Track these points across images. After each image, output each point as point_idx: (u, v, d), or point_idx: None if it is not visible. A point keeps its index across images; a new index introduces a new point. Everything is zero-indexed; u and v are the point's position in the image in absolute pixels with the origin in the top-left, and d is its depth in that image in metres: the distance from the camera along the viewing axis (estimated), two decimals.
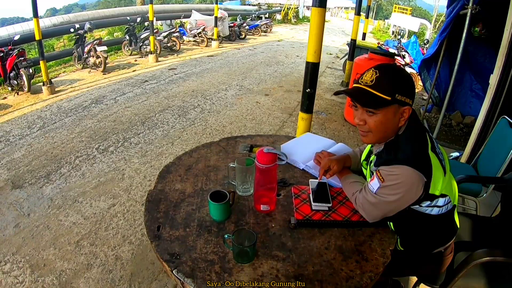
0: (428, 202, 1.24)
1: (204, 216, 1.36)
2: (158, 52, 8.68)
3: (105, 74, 7.15)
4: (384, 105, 1.19)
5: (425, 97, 5.72)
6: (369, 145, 1.46)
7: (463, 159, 3.43)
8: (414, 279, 1.69)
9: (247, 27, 13.63)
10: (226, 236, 1.18)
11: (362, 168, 1.49)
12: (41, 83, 5.93)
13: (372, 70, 1.22)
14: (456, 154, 3.54)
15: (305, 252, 1.23)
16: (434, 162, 1.20)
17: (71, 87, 6.27)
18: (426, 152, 1.20)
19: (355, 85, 1.26)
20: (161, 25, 11.71)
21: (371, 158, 1.37)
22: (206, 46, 10.99)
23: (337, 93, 1.35)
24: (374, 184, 1.24)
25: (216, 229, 1.30)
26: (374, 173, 1.25)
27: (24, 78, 5.74)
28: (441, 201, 1.26)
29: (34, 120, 4.74)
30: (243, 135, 1.99)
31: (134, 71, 7.56)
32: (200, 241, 1.25)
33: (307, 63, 2.49)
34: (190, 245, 1.23)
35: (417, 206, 1.25)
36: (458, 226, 1.47)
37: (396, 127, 1.25)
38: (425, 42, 9.51)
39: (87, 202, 2.98)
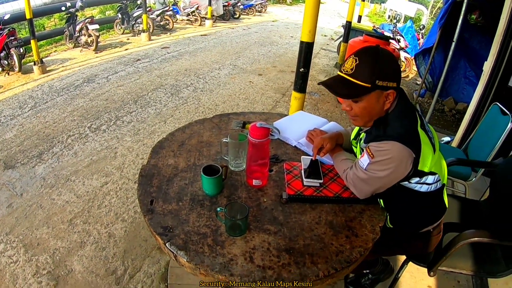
0: (417, 179, 1.26)
1: (197, 190, 1.37)
2: (151, 30, 8.53)
3: (97, 53, 7.03)
4: (365, 92, 1.20)
5: (419, 82, 5.73)
6: (357, 127, 1.48)
7: (454, 144, 3.47)
8: (402, 258, 1.73)
9: (241, 6, 13.39)
10: (219, 209, 1.20)
11: (352, 146, 1.50)
12: (32, 63, 5.81)
13: (352, 58, 1.22)
14: (447, 138, 3.57)
15: (296, 226, 1.25)
16: (423, 139, 1.21)
17: (62, 66, 6.16)
18: (415, 129, 1.21)
19: (338, 73, 1.27)
20: (154, 4, 11.44)
21: (360, 136, 1.38)
22: (200, 25, 10.82)
23: (320, 84, 1.34)
24: (364, 160, 1.26)
25: (209, 203, 1.32)
26: (364, 150, 1.26)
27: (15, 58, 5.62)
28: (430, 179, 1.28)
29: (25, 100, 4.67)
30: (236, 112, 1.99)
31: (126, 49, 7.44)
32: (193, 214, 1.26)
33: (301, 42, 2.47)
34: (183, 218, 1.24)
35: (406, 182, 1.27)
36: (447, 206, 1.49)
37: (381, 109, 1.26)
38: (421, 27, 9.45)
39: (79, 180, 2.97)
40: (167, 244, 1.15)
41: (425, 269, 1.63)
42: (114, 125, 3.96)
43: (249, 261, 1.11)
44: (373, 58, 1.19)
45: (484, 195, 2.45)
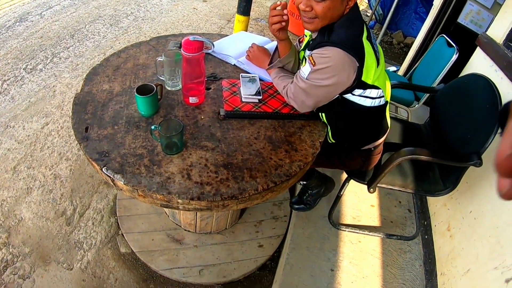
0: (361, 91, 1.24)
1: (132, 112, 1.31)
2: None
3: None
4: None
5: (369, 14, 5.69)
6: (308, 36, 1.42)
7: (400, 73, 3.56)
8: (344, 176, 1.79)
9: None
10: (153, 127, 1.15)
11: (300, 63, 1.46)
12: None
13: None
14: (393, 68, 3.65)
15: (234, 142, 1.23)
16: (367, 49, 1.18)
17: None
18: (360, 38, 1.18)
19: None
20: None
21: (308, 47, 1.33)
22: None
23: None
24: (305, 69, 1.22)
25: (145, 124, 1.27)
26: (307, 58, 1.22)
27: None
28: (373, 93, 1.26)
29: None
30: (175, 34, 1.86)
31: None
32: (129, 137, 1.21)
33: None
34: (119, 142, 1.19)
35: (349, 94, 1.25)
36: (389, 125, 1.52)
37: (341, 14, 1.21)
38: None
39: (19, 125, 2.78)
40: (103, 169, 1.10)
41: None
42: (51, 63, 3.66)
43: (187, 178, 1.09)
44: None
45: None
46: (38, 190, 2.24)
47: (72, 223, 2.06)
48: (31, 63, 3.65)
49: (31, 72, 3.49)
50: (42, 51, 3.92)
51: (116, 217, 2.03)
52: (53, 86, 3.26)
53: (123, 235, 1.93)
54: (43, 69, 3.55)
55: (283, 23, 1.33)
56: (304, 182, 1.91)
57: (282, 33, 1.37)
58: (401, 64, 3.75)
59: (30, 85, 3.28)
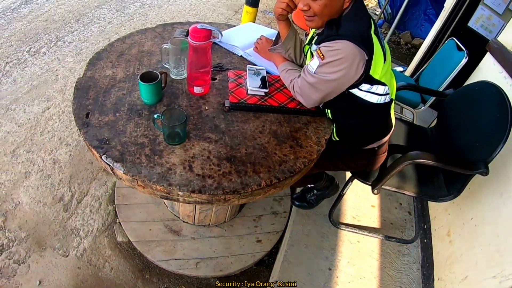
0: (368, 86, 1.21)
1: (135, 100, 1.28)
2: None
3: None
4: None
5: (377, 12, 5.63)
6: (313, 31, 1.39)
7: (407, 73, 3.51)
8: (348, 175, 1.76)
9: None
10: (156, 116, 1.12)
11: (305, 57, 1.43)
12: None
13: None
14: (400, 68, 3.60)
15: (238, 134, 1.21)
16: (376, 43, 1.16)
17: None
18: (369, 31, 1.16)
19: None
20: None
21: (313, 40, 1.30)
22: None
23: None
24: (313, 63, 1.19)
25: (147, 112, 1.24)
26: (315, 53, 1.20)
27: None
28: (380, 89, 1.24)
29: None
30: (181, 22, 1.83)
31: None
32: (130, 125, 1.19)
33: None
34: (120, 129, 1.16)
35: (356, 89, 1.22)
36: (393, 124, 1.50)
37: (340, 9, 1.18)
38: None
39: (20, 108, 2.75)
40: (103, 157, 1.08)
41: (369, 189, 1.67)
42: (54, 46, 3.62)
43: (188, 170, 1.07)
44: None
45: (431, 125, 2.53)
46: (36, 174, 2.21)
47: (70, 209, 2.04)
48: (34, 46, 3.62)
49: (34, 55, 3.46)
50: (47, 34, 3.88)
51: (114, 205, 2.01)
52: (56, 70, 3.23)
53: (120, 224, 1.91)
54: (47, 52, 3.52)
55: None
56: (312, 185, 1.90)
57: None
58: (408, 64, 3.71)
59: (33, 68, 3.25)
